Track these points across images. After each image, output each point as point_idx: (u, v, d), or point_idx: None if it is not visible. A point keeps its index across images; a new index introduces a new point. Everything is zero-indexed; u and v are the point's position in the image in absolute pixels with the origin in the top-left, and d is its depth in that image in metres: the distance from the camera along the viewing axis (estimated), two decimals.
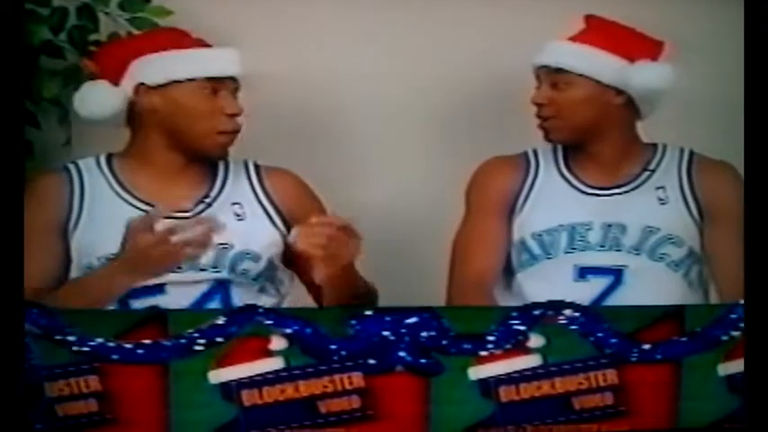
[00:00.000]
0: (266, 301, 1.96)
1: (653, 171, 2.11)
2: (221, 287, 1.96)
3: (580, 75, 2.05)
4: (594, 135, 2.08)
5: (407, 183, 2.44)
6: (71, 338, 1.64)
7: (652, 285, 2.06)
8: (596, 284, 2.06)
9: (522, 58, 2.11)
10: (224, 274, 1.95)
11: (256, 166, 2.03)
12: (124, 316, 1.79)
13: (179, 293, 1.92)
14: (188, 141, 1.96)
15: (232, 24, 2.29)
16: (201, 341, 1.65)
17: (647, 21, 2.12)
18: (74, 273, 1.95)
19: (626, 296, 2.05)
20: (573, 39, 2.09)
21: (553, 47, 2.08)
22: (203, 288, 1.95)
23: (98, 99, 1.97)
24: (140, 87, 1.95)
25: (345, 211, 2.07)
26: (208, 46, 2.01)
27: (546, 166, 2.13)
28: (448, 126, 2.45)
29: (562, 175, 2.12)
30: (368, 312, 1.68)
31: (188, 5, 2.31)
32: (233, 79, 1.97)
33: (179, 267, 1.92)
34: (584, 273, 2.07)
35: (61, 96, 2.25)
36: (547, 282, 2.05)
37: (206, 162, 2.00)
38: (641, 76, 2.05)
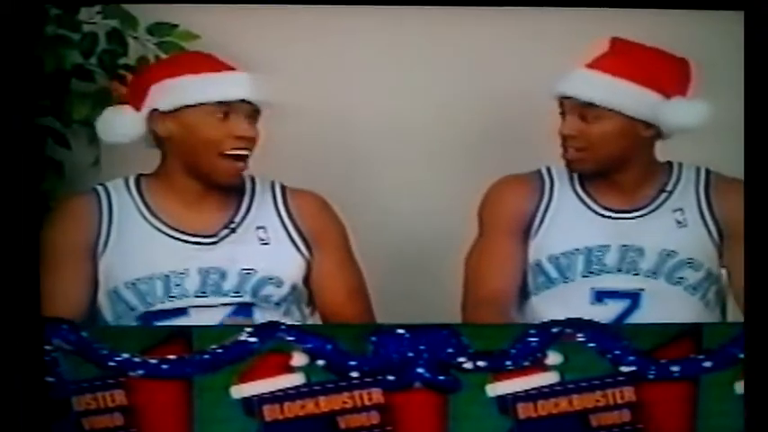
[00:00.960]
0: (289, 322, 1.95)
1: (670, 192, 2.09)
2: (244, 310, 1.97)
3: (611, 109, 2.00)
4: (619, 164, 2.06)
5: (425, 201, 2.45)
6: (98, 354, 1.68)
7: (669, 309, 2.04)
8: (613, 308, 2.05)
9: (538, 80, 2.10)
10: (246, 299, 1.96)
11: (282, 188, 2.04)
12: (150, 332, 1.81)
13: (202, 316, 1.94)
14: (200, 166, 1.95)
15: (257, 48, 2.32)
16: (225, 357, 1.68)
17: (647, 41, 2.11)
18: (101, 297, 1.96)
19: (642, 320, 2.04)
20: (598, 64, 2.03)
21: (580, 77, 2.03)
22: (226, 310, 1.97)
23: (119, 124, 1.98)
24: (154, 113, 1.96)
25: (363, 230, 2.10)
26: (233, 69, 2.00)
27: (561, 187, 2.11)
28: (465, 146, 2.46)
29: (578, 197, 2.10)
30: (387, 329, 1.70)
31: (214, 29, 2.35)
32: (247, 102, 1.96)
33: (203, 292, 1.96)
34: (600, 296, 2.06)
35: (91, 118, 2.30)
36: (563, 305, 2.02)
37: (227, 189, 1.99)
38: (677, 115, 2.00)
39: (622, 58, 2.05)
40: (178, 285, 1.95)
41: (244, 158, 1.97)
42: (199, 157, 1.96)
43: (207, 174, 1.96)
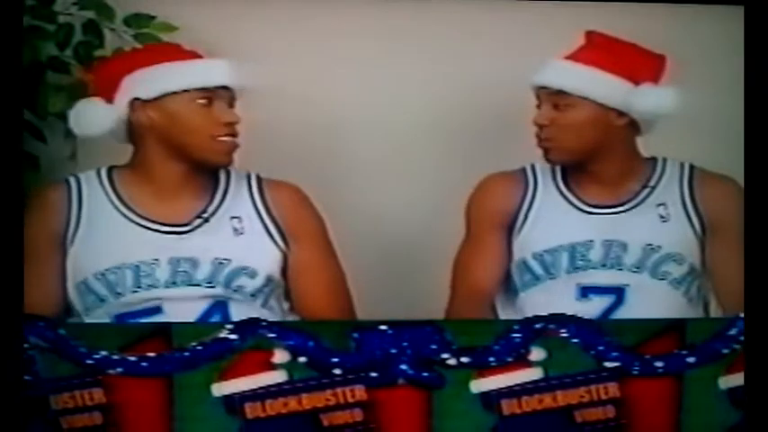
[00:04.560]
0: (269, 317, 1.95)
1: (653, 188, 2.11)
2: (221, 305, 1.96)
3: (582, 97, 2.04)
4: (596, 155, 2.07)
5: (408, 196, 2.45)
6: (76, 351, 1.65)
7: (653, 304, 2.05)
8: (598, 303, 2.06)
9: (523, 74, 2.11)
10: (218, 290, 1.95)
11: (258, 179, 2.03)
12: (129, 329, 1.79)
13: (177, 312, 1.92)
14: (188, 152, 1.96)
15: (236, 40, 2.31)
16: (205, 354, 1.66)
17: (646, 35, 2.12)
18: (69, 289, 1.95)
19: (627, 315, 2.05)
20: (574, 56, 2.08)
21: (554, 67, 2.07)
22: (203, 306, 1.95)
23: (91, 117, 1.98)
24: (135, 102, 1.96)
25: (346, 225, 2.09)
26: (201, 57, 2.02)
27: (545, 184, 2.12)
28: (449, 140, 2.46)
29: (561, 193, 2.11)
30: (370, 326, 1.69)
31: (192, 21, 2.33)
32: (227, 89, 1.97)
33: (173, 282, 1.93)
34: (585, 292, 2.07)
35: (67, 111, 2.27)
36: (550, 301, 2.03)
37: (208, 172, 2.00)
38: (646, 100, 2.03)
39: (596, 50, 2.08)
40: (148, 275, 1.93)
41: (233, 140, 1.97)
42: (185, 142, 1.96)
43: (198, 156, 1.96)
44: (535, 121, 2.07)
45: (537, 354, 1.70)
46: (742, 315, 1.67)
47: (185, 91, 1.95)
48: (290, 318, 2.03)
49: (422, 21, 2.45)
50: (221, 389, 1.67)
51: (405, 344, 1.68)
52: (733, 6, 2.29)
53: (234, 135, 1.97)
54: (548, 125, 2.05)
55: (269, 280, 1.99)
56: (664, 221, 2.09)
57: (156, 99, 1.95)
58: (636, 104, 2.04)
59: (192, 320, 1.93)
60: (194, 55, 2.01)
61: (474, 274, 2.09)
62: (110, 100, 1.98)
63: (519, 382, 1.70)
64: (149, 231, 1.96)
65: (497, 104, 2.39)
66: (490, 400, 1.69)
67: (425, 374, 1.68)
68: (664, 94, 2.05)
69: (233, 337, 1.67)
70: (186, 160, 1.96)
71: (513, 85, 2.17)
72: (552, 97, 2.05)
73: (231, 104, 1.98)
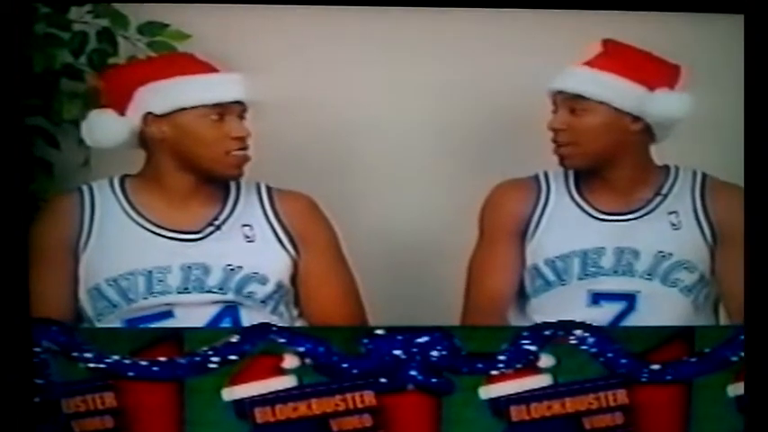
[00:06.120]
0: (279, 323, 1.97)
1: (665, 195, 2.11)
2: (231, 310, 1.98)
3: (598, 101, 2.06)
4: (610, 161, 2.08)
5: (420, 204, 2.45)
6: (88, 355, 1.67)
7: (664, 311, 2.05)
8: (609, 310, 2.06)
9: (536, 81, 2.12)
10: (230, 296, 1.96)
11: (268, 189, 2.05)
12: (140, 334, 1.81)
13: (188, 317, 1.94)
14: (198, 165, 1.98)
15: (248, 48, 2.32)
16: (216, 359, 1.68)
17: (653, 43, 2.13)
18: (81, 294, 1.96)
19: (638, 322, 2.05)
20: (590, 63, 2.09)
21: (571, 72, 2.08)
22: (214, 309, 1.97)
23: (103, 129, 2.00)
24: (148, 116, 1.98)
25: (356, 233, 2.09)
26: (215, 69, 2.02)
27: (557, 191, 2.13)
28: (460, 147, 2.46)
29: (573, 200, 2.12)
30: (380, 331, 1.70)
31: (206, 30, 2.34)
32: (239, 103, 1.99)
33: (185, 288, 1.96)
34: (597, 298, 2.07)
35: (81, 118, 2.28)
36: (561, 307, 2.04)
37: (218, 183, 2.02)
38: (661, 105, 2.05)
39: (613, 57, 2.09)
40: (161, 281, 1.95)
41: (243, 153, 1.99)
42: (196, 156, 1.98)
43: (209, 168, 1.98)
44: (551, 125, 2.08)
45: (546, 360, 1.71)
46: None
47: (198, 106, 1.96)
48: (299, 324, 2.04)
49: (434, 29, 2.45)
50: (232, 393, 1.68)
51: (414, 350, 1.69)
52: (733, 15, 2.29)
53: (245, 148, 1.99)
54: (564, 129, 2.07)
55: (279, 286, 2.01)
56: (675, 229, 2.09)
57: (168, 113, 1.97)
58: (651, 109, 2.06)
59: (202, 325, 1.94)
60: (207, 67, 2.02)
61: (489, 281, 2.10)
62: (122, 112, 1.99)
63: (528, 388, 1.70)
64: (161, 238, 1.98)
65: (510, 112, 2.39)
66: (499, 406, 1.70)
67: (435, 380, 1.69)
68: (678, 98, 2.07)
69: (243, 342, 1.69)
70: (197, 172, 1.99)
71: (526, 93, 2.17)
72: (569, 102, 2.07)
73: (242, 117, 2.00)
